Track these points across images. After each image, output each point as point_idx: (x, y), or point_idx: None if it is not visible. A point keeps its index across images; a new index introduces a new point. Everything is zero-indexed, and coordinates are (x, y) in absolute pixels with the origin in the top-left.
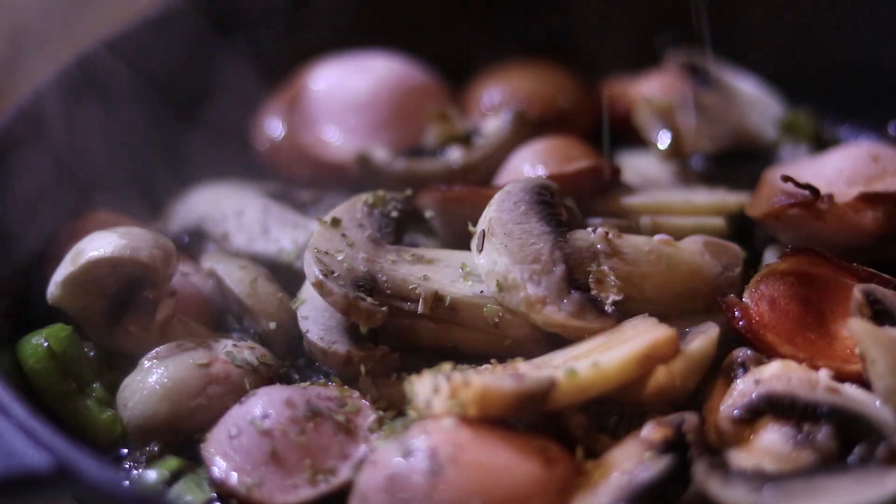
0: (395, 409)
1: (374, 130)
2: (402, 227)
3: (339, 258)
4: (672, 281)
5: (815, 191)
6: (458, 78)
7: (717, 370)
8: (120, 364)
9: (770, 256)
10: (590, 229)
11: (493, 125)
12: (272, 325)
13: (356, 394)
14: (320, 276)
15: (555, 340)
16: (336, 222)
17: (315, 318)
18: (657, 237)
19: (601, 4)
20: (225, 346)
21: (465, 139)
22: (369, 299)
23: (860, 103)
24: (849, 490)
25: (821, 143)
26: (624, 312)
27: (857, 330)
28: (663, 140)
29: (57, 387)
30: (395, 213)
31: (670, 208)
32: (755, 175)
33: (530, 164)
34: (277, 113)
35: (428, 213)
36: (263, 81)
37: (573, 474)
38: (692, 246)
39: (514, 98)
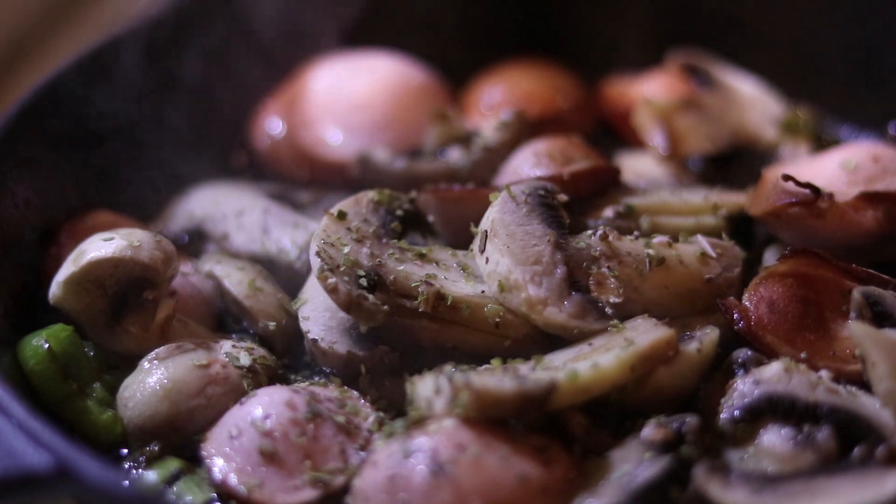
0: (394, 409)
1: (374, 130)
2: (405, 227)
3: (345, 251)
4: (671, 282)
5: (815, 190)
6: (458, 78)
7: (718, 371)
8: (120, 364)
9: (770, 257)
10: (590, 231)
11: (492, 125)
12: (271, 326)
13: (356, 394)
14: (325, 270)
15: (555, 341)
16: (342, 215)
17: (316, 318)
18: (656, 239)
19: (601, 4)
20: (224, 347)
21: (465, 139)
22: (372, 297)
23: (860, 103)
24: (849, 491)
25: (821, 143)
26: (624, 314)
27: (857, 332)
28: (662, 141)
29: (57, 388)
30: (399, 212)
31: (669, 209)
32: (755, 175)
33: (530, 164)
34: (277, 113)
35: (430, 217)
36: (263, 81)
37: (573, 474)
38: (691, 247)
39: (514, 98)
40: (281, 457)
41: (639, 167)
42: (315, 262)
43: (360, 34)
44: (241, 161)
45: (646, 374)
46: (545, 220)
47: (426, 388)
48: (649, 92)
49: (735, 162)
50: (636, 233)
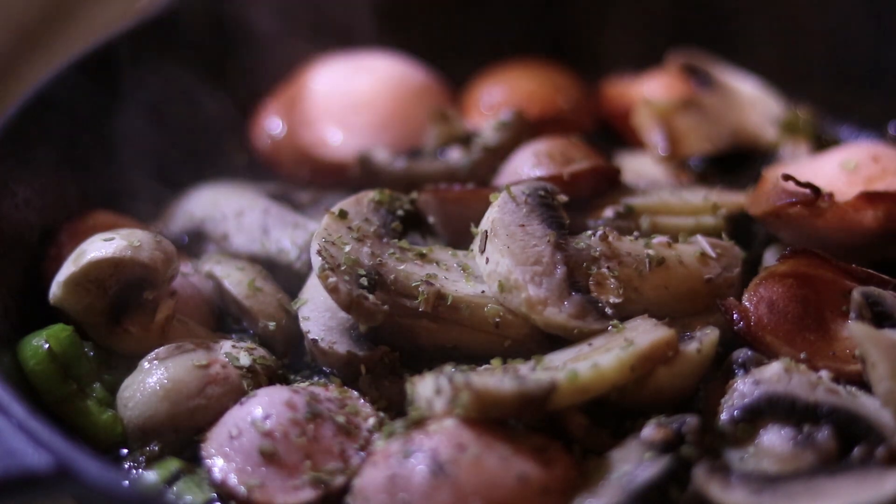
0: (395, 409)
1: (374, 130)
2: (405, 227)
3: (346, 250)
4: (671, 282)
5: (816, 189)
6: (458, 78)
7: (718, 371)
8: (120, 364)
9: (770, 257)
10: (590, 231)
11: (492, 125)
12: (271, 326)
13: (356, 394)
14: (326, 269)
15: (555, 341)
16: (343, 214)
17: (316, 318)
18: (656, 239)
19: (602, 4)
20: (224, 347)
21: (465, 139)
22: (372, 297)
23: (860, 103)
24: (849, 491)
25: (821, 143)
26: (624, 314)
27: (857, 333)
28: (662, 141)
29: (57, 388)
30: (400, 212)
31: (669, 209)
32: (755, 175)
33: (530, 164)
34: (277, 113)
35: (430, 218)
36: (263, 81)
37: (573, 474)
38: (691, 247)
39: (514, 98)
40: (281, 457)
41: (639, 167)
42: (316, 261)
43: (360, 34)
44: (241, 161)
45: (646, 375)
46: (545, 220)
47: (426, 388)
48: (649, 92)
49: (735, 162)
50: (636, 233)
